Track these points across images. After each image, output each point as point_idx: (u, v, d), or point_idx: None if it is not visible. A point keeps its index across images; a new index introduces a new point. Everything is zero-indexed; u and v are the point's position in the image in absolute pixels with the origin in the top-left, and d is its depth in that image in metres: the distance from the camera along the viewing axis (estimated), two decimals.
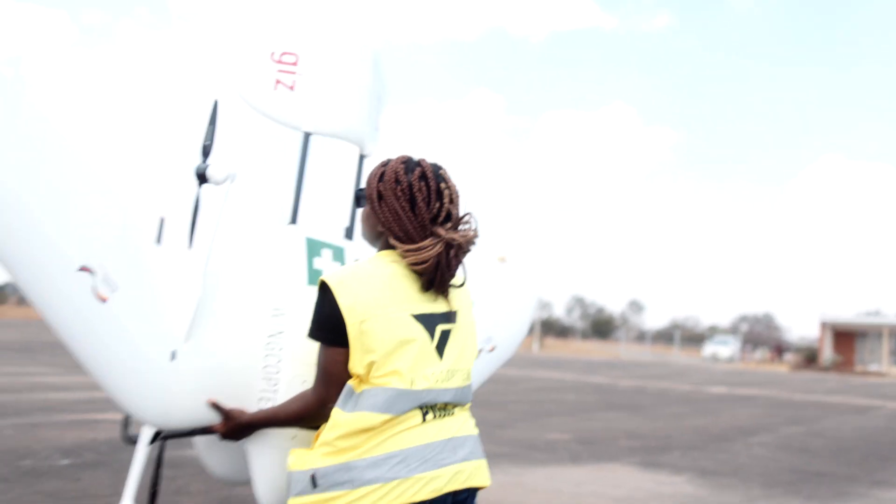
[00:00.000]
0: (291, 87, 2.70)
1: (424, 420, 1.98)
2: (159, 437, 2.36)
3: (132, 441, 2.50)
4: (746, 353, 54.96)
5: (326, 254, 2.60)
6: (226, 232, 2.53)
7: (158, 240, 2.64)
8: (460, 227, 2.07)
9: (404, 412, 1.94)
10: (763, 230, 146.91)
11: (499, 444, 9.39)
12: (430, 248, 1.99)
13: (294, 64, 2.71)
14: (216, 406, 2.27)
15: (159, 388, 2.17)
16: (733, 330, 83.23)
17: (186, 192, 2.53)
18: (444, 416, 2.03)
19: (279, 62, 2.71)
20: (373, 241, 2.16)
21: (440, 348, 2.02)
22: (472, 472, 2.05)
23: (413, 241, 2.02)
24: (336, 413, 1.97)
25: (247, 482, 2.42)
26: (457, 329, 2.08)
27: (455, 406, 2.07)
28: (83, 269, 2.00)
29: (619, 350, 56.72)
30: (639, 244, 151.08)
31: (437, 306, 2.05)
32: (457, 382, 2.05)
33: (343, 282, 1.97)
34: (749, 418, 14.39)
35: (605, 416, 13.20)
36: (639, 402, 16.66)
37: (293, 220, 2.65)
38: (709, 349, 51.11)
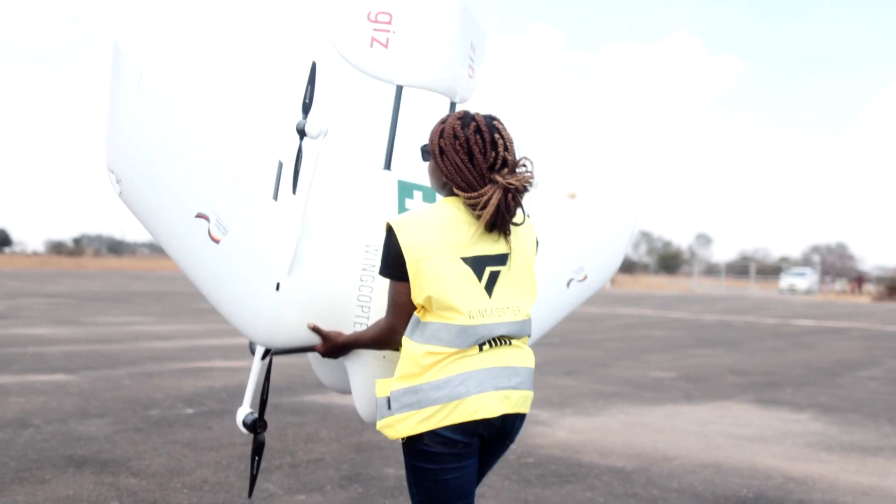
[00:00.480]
0: (385, 45, 2.93)
1: (481, 350, 2.22)
2: (269, 353, 2.70)
3: (253, 351, 2.86)
4: (825, 285, 53.53)
5: (418, 195, 2.86)
6: (325, 178, 2.76)
7: (275, 195, 2.85)
8: (517, 171, 2.25)
9: (466, 346, 2.19)
10: (833, 158, 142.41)
11: (606, 382, 9.25)
12: (490, 194, 2.19)
13: (388, 23, 2.94)
14: (316, 329, 2.57)
15: (267, 315, 2.52)
16: (805, 261, 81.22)
17: (290, 145, 2.76)
18: (501, 345, 2.25)
19: (375, 21, 2.94)
20: (439, 191, 2.35)
21: (489, 288, 2.24)
22: (520, 400, 2.27)
23: (474, 189, 2.21)
24: (407, 342, 2.24)
25: (349, 391, 2.72)
26: (507, 270, 2.27)
27: (511, 338, 2.28)
28: (199, 216, 2.36)
29: (691, 284, 55.94)
30: (704, 176, 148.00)
31: (490, 248, 2.25)
32: (508, 317, 2.26)
33: (405, 226, 2.22)
34: (849, 352, 13.98)
35: (701, 353, 12.95)
36: (730, 336, 16.34)
37: (387, 166, 2.89)
38: (785, 281, 49.81)
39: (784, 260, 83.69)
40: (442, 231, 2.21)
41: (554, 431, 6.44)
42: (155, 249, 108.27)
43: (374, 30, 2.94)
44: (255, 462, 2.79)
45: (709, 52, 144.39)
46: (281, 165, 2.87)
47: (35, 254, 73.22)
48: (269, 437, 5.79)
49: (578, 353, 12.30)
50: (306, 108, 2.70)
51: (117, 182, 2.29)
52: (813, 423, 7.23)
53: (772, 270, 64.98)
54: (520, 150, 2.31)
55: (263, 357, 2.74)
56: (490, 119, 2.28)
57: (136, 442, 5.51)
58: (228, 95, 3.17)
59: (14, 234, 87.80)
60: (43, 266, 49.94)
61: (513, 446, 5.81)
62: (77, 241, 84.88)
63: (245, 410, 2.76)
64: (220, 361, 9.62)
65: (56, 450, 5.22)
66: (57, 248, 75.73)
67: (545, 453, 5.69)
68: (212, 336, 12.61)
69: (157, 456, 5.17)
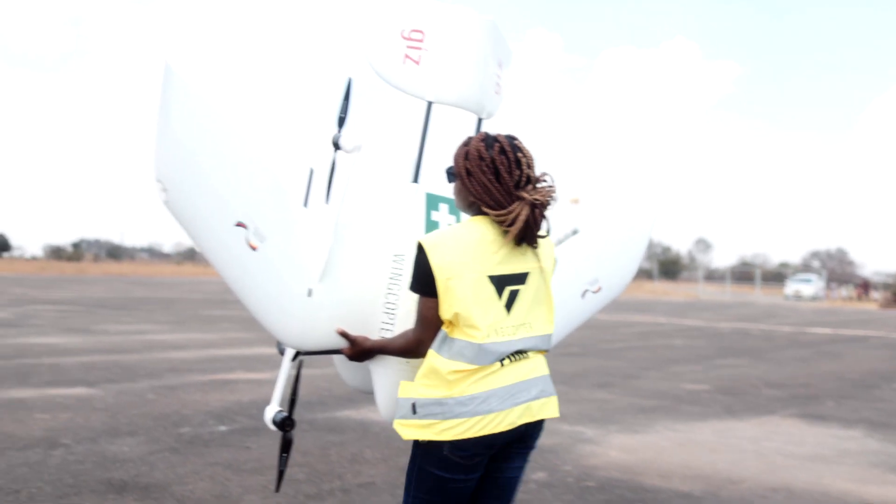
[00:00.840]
0: (417, 62, 3.00)
1: (502, 365, 2.31)
2: (298, 355, 2.80)
3: (282, 352, 2.95)
4: (831, 291, 53.21)
5: (444, 207, 2.96)
6: (357, 189, 2.86)
7: (305, 202, 2.97)
8: (538, 186, 2.35)
9: (487, 363, 2.29)
10: (832, 162, 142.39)
11: (642, 395, 8.96)
12: (518, 211, 2.29)
13: (421, 41, 3.01)
14: (344, 334, 2.66)
15: (298, 319, 2.63)
16: (805, 266, 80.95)
17: (325, 157, 2.90)
18: (520, 360, 2.35)
19: (408, 38, 3.01)
20: (465, 210, 2.44)
21: (508, 305, 2.34)
22: (541, 407, 2.38)
23: (503, 207, 2.31)
24: (433, 355, 2.32)
25: (371, 392, 2.82)
26: (526, 288, 2.37)
27: (528, 351, 2.38)
28: (239, 224, 2.48)
29: (697, 290, 55.67)
30: (703, 181, 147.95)
31: (514, 267, 2.35)
32: (525, 333, 2.37)
33: (435, 244, 2.31)
34: (877, 361, 13.72)
35: (727, 363, 12.67)
36: (750, 345, 16.06)
37: (415, 179, 2.97)
38: (791, 287, 49.46)
39: (784, 265, 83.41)
40: (471, 250, 2.31)
41: (605, 451, 6.15)
42: (154, 254, 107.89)
43: (408, 47, 3.02)
44: (284, 458, 2.92)
45: (706, 56, 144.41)
46: (312, 173, 3.00)
47: (34, 258, 72.82)
48: (312, 457, 5.51)
49: (604, 363, 12.01)
50: (341, 121, 2.83)
51: (163, 191, 2.39)
52: (869, 441, 6.94)
53: (772, 276, 64.53)
54: (539, 166, 2.40)
55: (294, 358, 2.84)
56: (511, 139, 2.38)
57: (174, 464, 5.21)
58: (268, 109, 3.27)
59: (13, 239, 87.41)
60: (43, 271, 49.60)
61: (568, 468, 5.55)
62: (76, 245, 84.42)
63: (274, 408, 2.85)
64: (243, 373, 9.32)
65: (92, 472, 4.93)
66: (56, 253, 75.32)
67: (604, 476, 5.40)
68: (228, 346, 12.31)
69: (200, 480, 4.87)
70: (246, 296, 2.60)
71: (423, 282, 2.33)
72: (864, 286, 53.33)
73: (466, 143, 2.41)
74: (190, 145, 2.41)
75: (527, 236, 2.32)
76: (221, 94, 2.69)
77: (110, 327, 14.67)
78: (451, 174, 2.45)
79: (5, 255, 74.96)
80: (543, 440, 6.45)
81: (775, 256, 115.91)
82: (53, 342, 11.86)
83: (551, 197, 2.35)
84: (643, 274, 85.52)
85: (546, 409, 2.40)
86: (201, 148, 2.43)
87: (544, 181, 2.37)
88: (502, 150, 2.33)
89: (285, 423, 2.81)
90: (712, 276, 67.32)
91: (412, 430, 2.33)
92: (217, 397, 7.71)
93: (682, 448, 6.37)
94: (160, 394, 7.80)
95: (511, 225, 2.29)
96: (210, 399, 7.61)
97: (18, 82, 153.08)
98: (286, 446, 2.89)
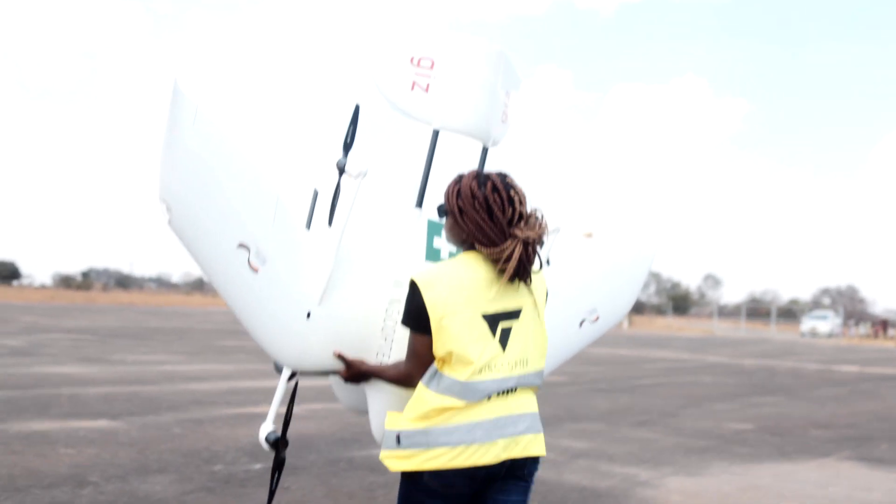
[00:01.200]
0: (426, 89, 3.01)
1: (489, 399, 2.28)
2: (295, 375, 2.84)
3: (279, 371, 2.97)
4: (848, 329, 52.52)
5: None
6: (359, 214, 2.81)
7: (308, 224, 2.92)
8: (531, 222, 2.32)
9: (476, 400, 2.26)
10: (842, 200, 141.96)
11: (685, 435, 8.56)
12: (512, 248, 2.26)
13: (430, 68, 3.02)
14: (341, 356, 2.67)
15: (296, 340, 2.64)
16: (815, 303, 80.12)
17: (329, 181, 2.85)
18: (508, 394, 2.32)
19: (417, 66, 3.02)
20: (458, 246, 2.41)
21: (503, 343, 2.31)
22: (529, 443, 2.33)
23: (496, 245, 2.28)
24: (423, 389, 2.30)
25: (365, 412, 2.82)
26: (519, 325, 2.35)
27: (519, 387, 2.35)
28: (241, 245, 2.47)
29: (711, 326, 55.07)
30: (711, 217, 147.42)
31: (507, 304, 2.32)
32: (518, 371, 2.33)
33: (429, 282, 2.29)
34: None
35: (764, 401, 12.24)
36: (781, 383, 15.62)
37: (419, 205, 2.97)
38: (807, 324, 48.81)
39: (794, 302, 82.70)
40: (465, 288, 2.28)
41: (667, 496, 5.76)
42: (162, 284, 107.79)
43: (416, 74, 3.03)
44: (276, 478, 2.92)
45: (716, 94, 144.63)
46: (316, 194, 2.96)
47: (43, 287, 72.65)
48: (358, 500, 5.14)
49: (638, 400, 11.60)
50: (347, 147, 2.81)
51: (168, 211, 2.32)
52: None
53: (783, 313, 63.77)
54: (532, 200, 2.39)
55: (290, 378, 2.88)
56: (503, 177, 2.37)
57: None
58: (275, 131, 3.23)
59: (22, 268, 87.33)
60: (53, 300, 49.35)
61: None
62: (85, 274, 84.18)
63: (268, 428, 2.86)
64: (267, 407, 8.93)
65: None
66: (66, 282, 75.09)
67: None
68: (248, 377, 11.95)
69: None
70: (245, 315, 2.58)
71: (416, 318, 2.30)
72: (883, 324, 52.63)
73: (458, 181, 2.39)
74: (195, 165, 2.38)
75: (520, 273, 2.30)
76: (228, 115, 2.66)
77: (126, 357, 14.32)
78: (443, 211, 2.43)
79: (15, 283, 74.83)
80: (597, 483, 6.11)
81: (785, 293, 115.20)
82: (70, 371, 11.52)
83: (544, 234, 2.33)
84: (653, 309, 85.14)
85: (533, 446, 2.36)
86: (206, 168, 2.41)
87: (536, 218, 2.34)
88: (495, 188, 2.32)
89: (278, 443, 2.82)
90: (723, 312, 66.61)
91: (397, 462, 2.32)
92: (245, 432, 7.34)
93: (746, 494, 5.97)
94: (187, 428, 7.44)
95: (505, 263, 2.27)
96: (239, 434, 7.24)
97: (33, 113, 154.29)
98: (279, 466, 2.87)
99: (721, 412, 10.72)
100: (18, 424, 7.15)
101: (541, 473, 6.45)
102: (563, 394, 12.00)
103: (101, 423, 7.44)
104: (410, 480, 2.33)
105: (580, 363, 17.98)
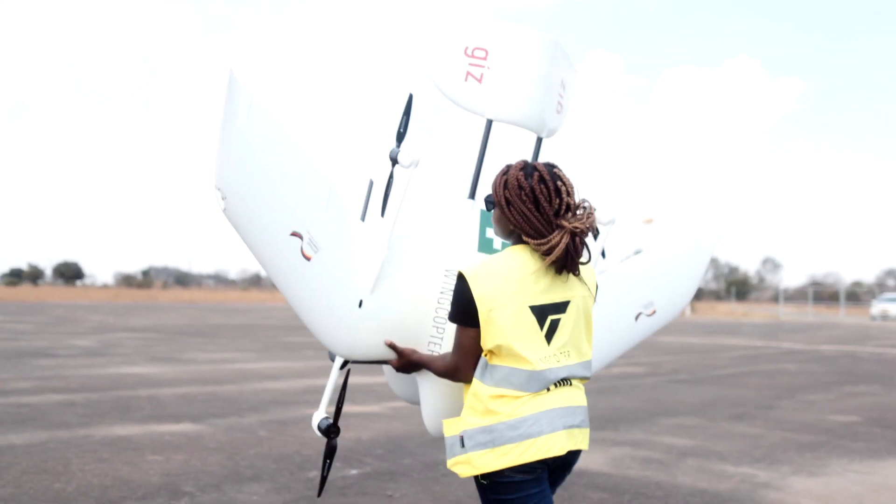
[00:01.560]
0: (479, 80, 2.99)
1: (548, 390, 2.28)
2: (347, 364, 2.84)
3: (332, 359, 2.98)
4: None
5: None
6: (412, 204, 2.78)
7: (363, 215, 2.97)
8: (577, 213, 2.30)
9: (535, 390, 2.25)
10: None
11: (789, 429, 8.07)
12: (559, 239, 2.24)
13: (484, 59, 3.00)
14: (392, 345, 2.65)
15: (348, 329, 2.61)
16: (880, 285, 77.82)
17: (382, 171, 2.83)
18: (563, 386, 2.31)
19: (471, 56, 3.00)
20: (505, 238, 2.41)
21: (549, 335, 2.30)
22: (582, 437, 2.35)
23: (543, 236, 2.27)
24: (477, 384, 2.30)
25: (417, 403, 2.80)
26: (567, 317, 2.33)
27: (571, 379, 2.34)
28: (294, 234, 2.45)
29: (776, 311, 53.71)
30: (767, 200, 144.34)
31: (555, 296, 2.31)
32: (567, 361, 2.32)
33: (477, 275, 2.28)
34: None
35: (859, 390, 11.64)
36: (870, 370, 14.93)
37: (472, 196, 2.96)
38: (878, 307, 47.24)
39: (857, 284, 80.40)
40: (512, 280, 2.27)
41: (796, 499, 5.32)
42: (220, 281, 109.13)
43: (470, 64, 3.01)
44: (327, 464, 2.89)
45: (770, 74, 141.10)
46: (371, 184, 3.00)
47: (105, 286, 74.06)
48: None
49: (727, 392, 11.10)
50: (400, 136, 2.79)
51: (223, 199, 2.30)
52: None
53: (849, 296, 61.84)
54: (580, 191, 2.35)
55: (342, 367, 2.89)
56: (550, 167, 2.34)
57: None
58: (330, 121, 3.34)
59: (85, 267, 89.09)
60: (116, 298, 50.15)
61: None
62: (146, 273, 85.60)
63: (321, 415, 2.85)
64: (351, 406, 8.66)
65: None
66: (127, 281, 76.51)
67: None
68: (321, 375, 11.72)
69: None
70: (298, 304, 2.55)
71: (464, 311, 2.29)
72: None
73: (505, 172, 2.37)
74: (249, 155, 2.37)
75: (568, 264, 2.28)
76: (282, 106, 2.64)
77: (197, 356, 14.24)
78: (490, 202, 2.43)
79: (78, 283, 76.41)
80: (715, 485, 5.69)
81: (847, 276, 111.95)
82: (144, 372, 11.42)
83: (592, 224, 2.30)
84: (712, 295, 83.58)
85: (585, 440, 2.38)
86: (261, 156, 2.40)
87: (583, 208, 2.32)
88: (541, 179, 2.29)
89: (330, 430, 2.80)
90: (786, 296, 64.96)
91: (465, 468, 2.28)
92: None
93: (881, 496, 5.49)
94: (272, 430, 7.19)
95: (552, 254, 2.24)
96: None
97: (90, 115, 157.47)
98: (330, 453, 2.86)
99: (818, 403, 10.17)
100: (102, 429, 6.99)
101: (653, 474, 6.07)
102: (646, 385, 11.56)
103: (185, 427, 7.23)
104: (492, 483, 2.27)
105: (652, 353, 17.48)
